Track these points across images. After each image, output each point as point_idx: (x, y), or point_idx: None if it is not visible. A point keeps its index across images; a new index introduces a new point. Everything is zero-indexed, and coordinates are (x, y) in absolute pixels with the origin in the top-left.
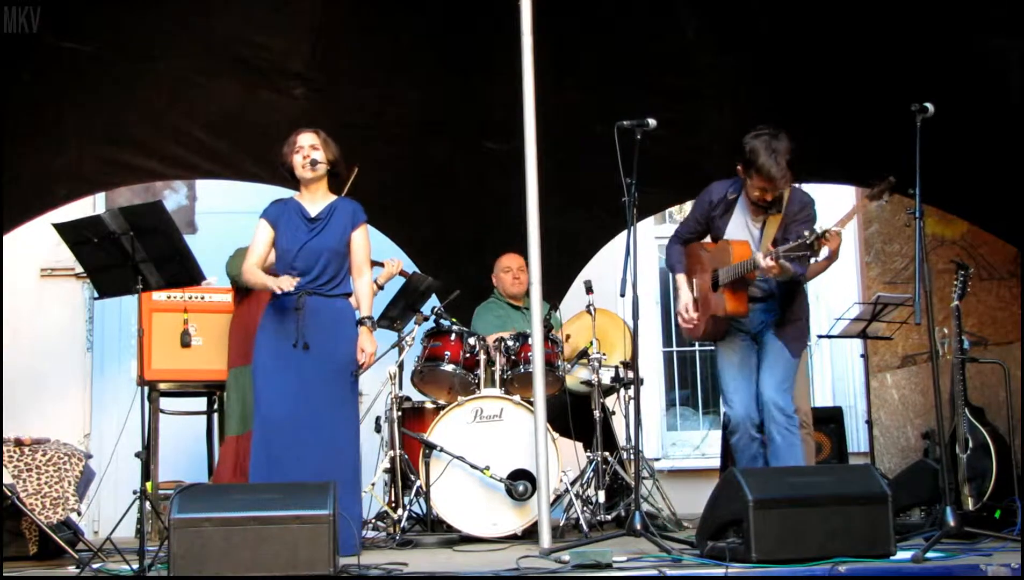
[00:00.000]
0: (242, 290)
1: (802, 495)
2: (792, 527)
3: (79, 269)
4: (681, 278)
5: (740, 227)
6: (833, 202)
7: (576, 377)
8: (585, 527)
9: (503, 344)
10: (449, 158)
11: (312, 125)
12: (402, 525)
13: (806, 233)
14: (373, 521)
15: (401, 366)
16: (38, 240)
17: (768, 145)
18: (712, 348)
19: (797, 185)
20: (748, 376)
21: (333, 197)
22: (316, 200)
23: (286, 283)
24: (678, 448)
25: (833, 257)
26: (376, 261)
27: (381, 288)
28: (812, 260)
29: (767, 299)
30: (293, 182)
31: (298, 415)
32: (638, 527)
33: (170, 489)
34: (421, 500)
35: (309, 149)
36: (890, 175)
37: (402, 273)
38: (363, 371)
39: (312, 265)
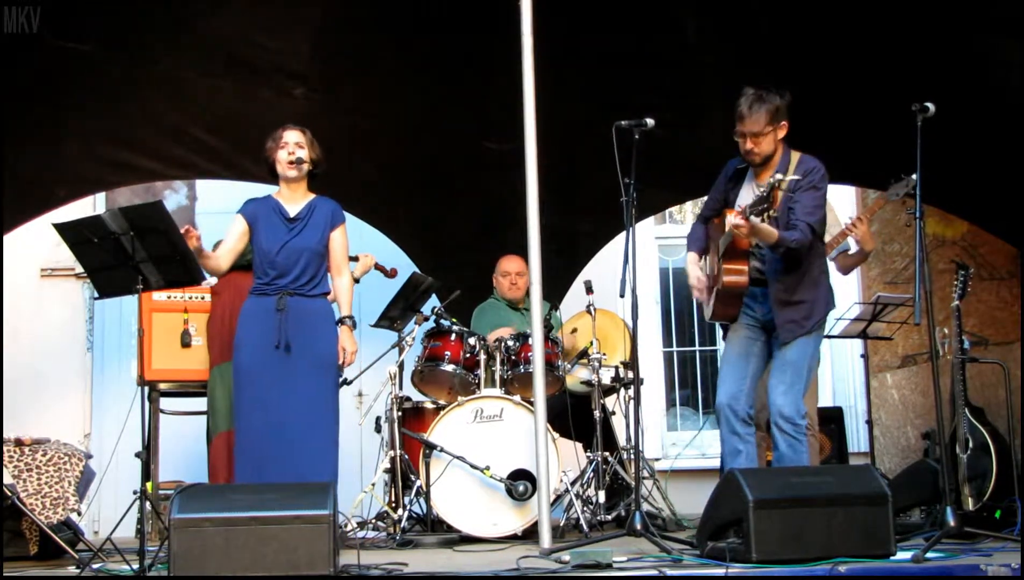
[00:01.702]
0: (217, 286)
1: (802, 495)
2: (792, 527)
3: (79, 269)
4: (690, 256)
5: (748, 196)
6: (832, 201)
7: (576, 377)
8: (585, 527)
9: (503, 344)
10: (449, 158)
11: (312, 125)
12: (402, 525)
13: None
14: (373, 521)
15: (401, 366)
16: (38, 240)
17: (754, 92)
18: (713, 349)
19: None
20: (743, 367)
21: (312, 196)
22: (295, 199)
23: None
24: (678, 448)
25: (864, 248)
26: (350, 256)
27: (357, 281)
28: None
29: (770, 281)
30: (273, 178)
31: (281, 415)
32: (638, 527)
33: (170, 489)
34: (421, 500)
35: (295, 147)
36: (912, 174)
37: (377, 267)
38: (344, 369)
39: (292, 265)
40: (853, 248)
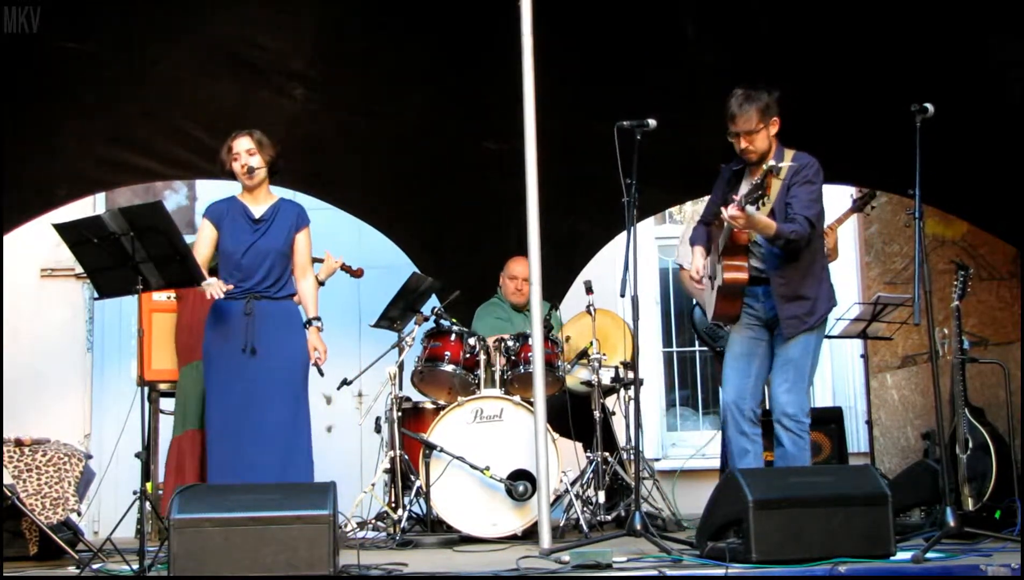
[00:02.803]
0: (181, 291)
1: (802, 495)
2: (792, 527)
3: (79, 269)
4: (696, 248)
5: None
6: (832, 203)
7: (576, 377)
8: (585, 527)
9: (503, 344)
10: (449, 158)
11: (312, 125)
12: (402, 525)
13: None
14: (373, 521)
15: (401, 366)
16: (38, 240)
17: (742, 92)
18: None
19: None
20: (746, 366)
21: (275, 198)
22: (259, 201)
23: (216, 290)
24: (678, 448)
25: (831, 254)
26: (315, 257)
27: (322, 284)
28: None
29: (769, 279)
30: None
31: (252, 419)
32: (638, 527)
33: None
34: (421, 500)
35: (246, 156)
36: (875, 192)
37: (343, 267)
38: (320, 369)
39: (258, 266)
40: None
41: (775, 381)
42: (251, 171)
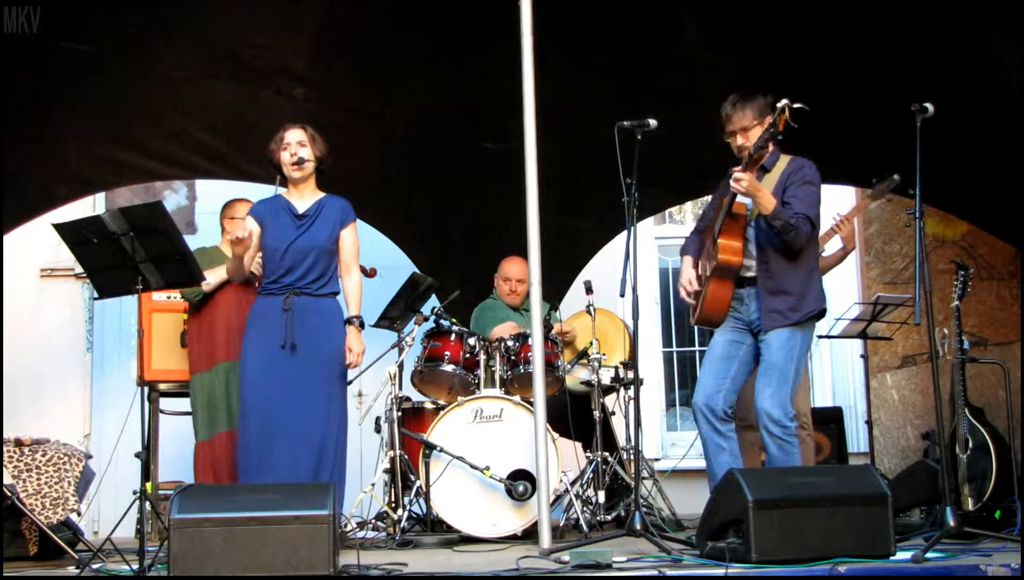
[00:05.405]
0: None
1: (802, 495)
2: (792, 527)
3: (79, 269)
4: (686, 258)
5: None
6: (833, 203)
7: (576, 377)
8: (585, 527)
9: (503, 344)
10: (449, 158)
11: (312, 125)
12: (402, 525)
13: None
14: (373, 521)
15: (401, 366)
16: (38, 240)
17: (735, 94)
18: None
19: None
20: (724, 368)
21: (321, 194)
22: (304, 197)
23: (241, 230)
24: (678, 448)
25: (847, 246)
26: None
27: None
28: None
29: (758, 268)
30: (282, 178)
31: (286, 416)
32: (638, 527)
33: (170, 489)
34: (421, 500)
35: (297, 146)
36: (895, 173)
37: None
38: (351, 369)
39: (300, 263)
40: (835, 248)
41: (758, 385)
42: (301, 162)
